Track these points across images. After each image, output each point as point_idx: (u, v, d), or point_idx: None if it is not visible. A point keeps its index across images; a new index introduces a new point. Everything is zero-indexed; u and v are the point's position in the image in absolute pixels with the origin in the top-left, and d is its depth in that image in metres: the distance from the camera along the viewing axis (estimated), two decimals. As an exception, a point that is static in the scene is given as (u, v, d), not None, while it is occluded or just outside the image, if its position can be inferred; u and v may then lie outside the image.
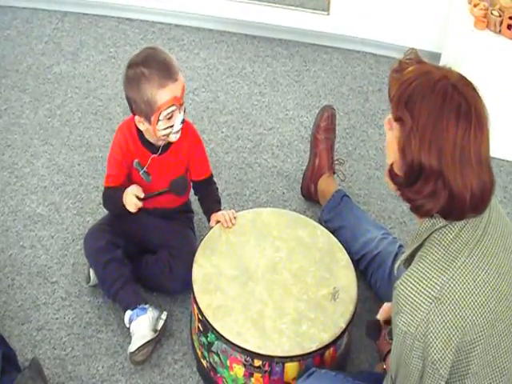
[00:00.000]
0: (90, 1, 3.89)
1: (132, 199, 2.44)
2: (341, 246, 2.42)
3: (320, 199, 2.91)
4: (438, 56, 3.51)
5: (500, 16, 2.96)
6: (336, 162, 2.96)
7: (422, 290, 1.67)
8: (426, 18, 3.57)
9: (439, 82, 1.67)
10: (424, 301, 1.66)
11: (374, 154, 3.24)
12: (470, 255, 1.69)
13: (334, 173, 2.95)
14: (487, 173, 1.69)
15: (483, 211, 1.72)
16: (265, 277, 2.32)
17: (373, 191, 3.07)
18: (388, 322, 2.18)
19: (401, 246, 2.60)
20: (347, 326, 2.22)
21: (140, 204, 2.45)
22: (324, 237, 2.45)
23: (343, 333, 2.21)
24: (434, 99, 1.66)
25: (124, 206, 2.47)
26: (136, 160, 2.51)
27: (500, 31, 2.96)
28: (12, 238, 2.82)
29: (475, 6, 3.04)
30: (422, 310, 1.66)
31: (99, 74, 3.57)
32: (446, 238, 1.71)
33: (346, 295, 2.28)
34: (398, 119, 1.72)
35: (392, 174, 1.76)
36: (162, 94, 2.30)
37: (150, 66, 2.31)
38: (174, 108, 2.34)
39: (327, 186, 2.89)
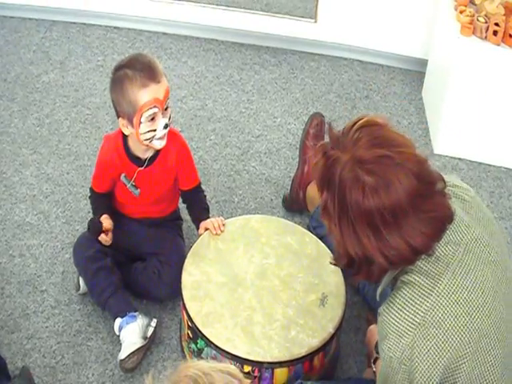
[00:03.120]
0: (77, 10, 3.90)
1: (102, 236, 2.52)
2: (329, 251, 2.42)
3: (308, 206, 2.91)
4: (424, 62, 3.53)
5: (486, 22, 2.98)
6: (324, 169, 2.96)
7: (406, 316, 1.69)
8: (412, 24, 3.59)
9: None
10: (408, 327, 1.68)
11: (362, 160, 3.24)
12: (453, 276, 1.69)
13: (323, 179, 2.95)
14: (416, 232, 1.67)
15: (438, 241, 1.71)
16: (254, 283, 2.32)
17: (361, 197, 3.07)
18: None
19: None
20: (336, 331, 2.23)
21: (109, 240, 2.53)
22: (312, 243, 2.46)
23: (332, 338, 2.22)
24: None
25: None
26: (123, 174, 2.52)
27: (486, 37, 2.98)
28: (1, 247, 2.82)
29: (461, 12, 3.06)
30: (407, 336, 1.68)
31: (87, 83, 3.58)
32: (427, 262, 1.71)
33: (334, 300, 2.29)
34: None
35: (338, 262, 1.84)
36: (144, 94, 2.30)
37: (133, 67, 2.33)
38: (156, 110, 2.33)
39: (316, 192, 2.89)
